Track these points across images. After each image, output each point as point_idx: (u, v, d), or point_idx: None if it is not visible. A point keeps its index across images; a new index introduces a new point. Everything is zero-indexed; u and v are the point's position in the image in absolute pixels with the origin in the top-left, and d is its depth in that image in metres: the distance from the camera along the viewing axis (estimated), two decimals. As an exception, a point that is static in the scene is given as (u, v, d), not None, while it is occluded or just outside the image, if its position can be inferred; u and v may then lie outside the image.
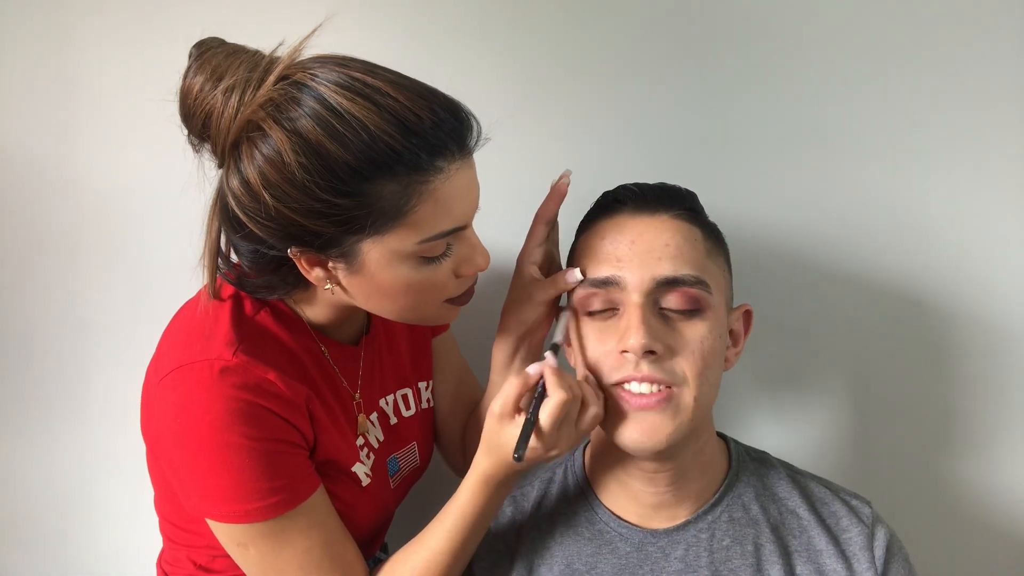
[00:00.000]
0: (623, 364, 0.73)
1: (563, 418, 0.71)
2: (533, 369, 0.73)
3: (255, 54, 0.70)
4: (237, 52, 0.69)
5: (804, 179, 1.00)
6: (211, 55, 0.69)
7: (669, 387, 0.72)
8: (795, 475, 0.84)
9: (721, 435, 0.85)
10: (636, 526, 0.79)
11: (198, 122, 0.69)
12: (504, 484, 0.76)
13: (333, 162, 0.66)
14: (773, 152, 1.00)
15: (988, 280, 0.98)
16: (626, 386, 0.73)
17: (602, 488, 0.82)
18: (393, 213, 0.68)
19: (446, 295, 0.77)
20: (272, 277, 0.77)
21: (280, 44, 0.69)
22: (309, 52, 0.70)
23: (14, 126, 1.10)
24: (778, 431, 1.03)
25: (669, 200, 0.78)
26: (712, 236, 0.79)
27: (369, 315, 0.89)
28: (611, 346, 0.74)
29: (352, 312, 0.83)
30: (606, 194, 0.82)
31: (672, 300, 0.73)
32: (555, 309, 0.84)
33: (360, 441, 0.85)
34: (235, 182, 0.68)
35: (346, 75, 0.67)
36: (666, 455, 0.75)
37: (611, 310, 0.75)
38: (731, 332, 0.79)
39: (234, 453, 0.71)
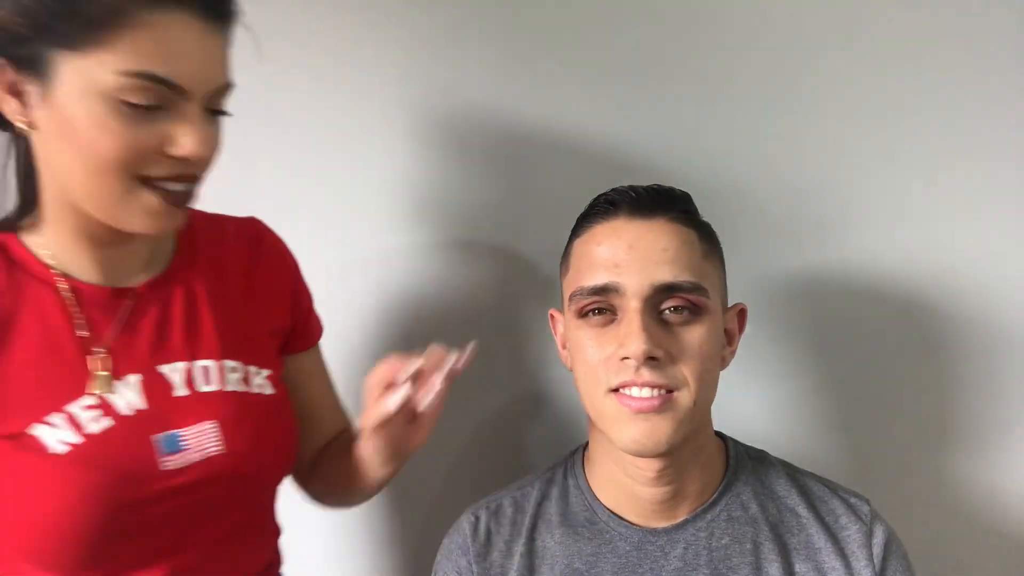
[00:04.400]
0: (623, 369, 0.73)
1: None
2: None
3: None
4: None
5: (801, 177, 1.00)
6: None
7: (670, 391, 0.72)
8: (794, 473, 0.84)
9: (720, 434, 0.85)
10: (635, 525, 0.79)
11: None
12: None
13: None
14: (771, 152, 1.00)
15: (987, 279, 0.99)
16: (625, 391, 0.73)
17: (601, 488, 0.82)
18: (96, 25, 0.61)
19: (140, 167, 0.66)
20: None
21: None
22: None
23: None
24: (777, 430, 1.04)
25: (665, 203, 0.77)
26: (707, 237, 0.79)
27: (174, 256, 0.78)
28: (610, 351, 0.74)
29: (87, 232, 0.71)
30: (600, 197, 0.80)
31: (671, 305, 0.74)
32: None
33: (88, 401, 0.69)
34: None
35: None
36: (665, 456, 0.75)
37: (609, 315, 0.75)
38: (726, 331, 0.80)
39: None
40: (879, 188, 0.99)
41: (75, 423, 0.67)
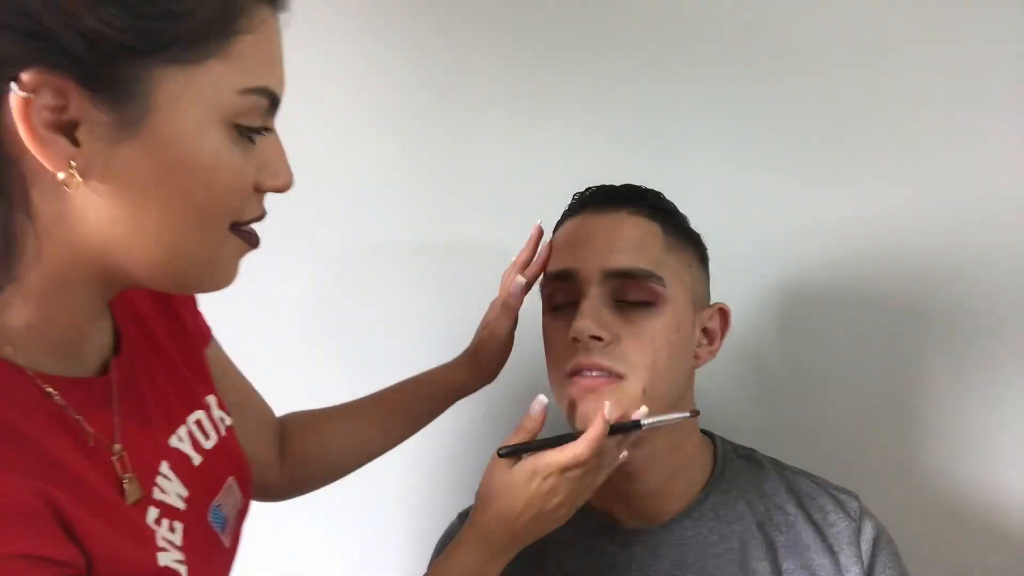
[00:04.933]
0: (574, 353, 0.74)
1: (571, 470, 0.65)
2: (536, 411, 0.72)
3: None
4: None
5: (795, 179, 1.00)
6: None
7: (619, 376, 0.73)
8: (783, 471, 0.84)
9: (707, 433, 0.86)
10: (624, 526, 0.80)
11: None
12: (507, 548, 0.69)
13: None
14: (769, 152, 1.00)
15: (981, 279, 0.98)
16: (578, 374, 0.74)
17: (589, 490, 0.82)
18: (215, 27, 0.46)
19: (239, 212, 0.52)
20: None
21: None
22: None
23: None
24: (766, 428, 1.04)
25: (630, 198, 0.80)
26: (677, 233, 0.79)
27: (114, 322, 0.58)
28: (567, 336, 0.75)
29: (80, 310, 0.52)
30: (574, 195, 0.84)
31: (625, 293, 0.75)
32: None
33: (153, 515, 0.54)
34: None
35: None
36: (630, 445, 0.74)
37: (572, 304, 0.77)
38: (706, 331, 0.80)
39: None
40: (875, 189, 0.99)
41: (163, 547, 0.54)
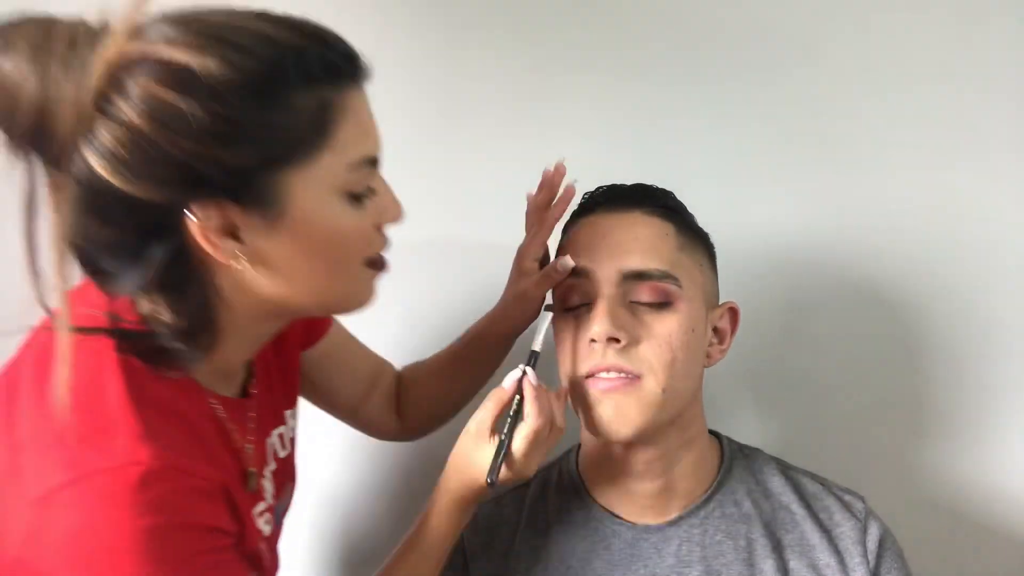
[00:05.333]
0: (591, 354, 0.74)
1: (536, 443, 0.71)
2: (508, 383, 0.74)
3: (78, 19, 0.55)
4: (53, 20, 0.54)
5: (796, 178, 1.01)
6: (20, 31, 0.53)
7: (636, 376, 0.73)
8: (788, 471, 0.84)
9: (714, 433, 0.86)
10: (629, 522, 0.80)
11: (29, 107, 0.52)
12: (474, 504, 0.76)
13: (240, 68, 0.54)
14: (769, 152, 1.00)
15: (982, 279, 0.99)
16: (595, 376, 0.74)
17: (595, 485, 0.83)
18: (318, 130, 0.58)
19: (369, 251, 0.66)
20: (165, 304, 0.59)
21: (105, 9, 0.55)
22: None
23: None
24: (773, 431, 1.04)
25: (642, 197, 0.80)
26: (689, 233, 0.80)
27: (251, 358, 0.74)
28: (582, 337, 0.75)
29: (250, 348, 0.70)
30: (584, 195, 0.84)
31: (640, 293, 0.75)
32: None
33: (260, 507, 0.71)
34: (107, 138, 0.52)
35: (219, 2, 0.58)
36: (643, 443, 0.76)
37: (587, 305, 0.77)
38: (716, 330, 0.81)
39: None
40: (876, 190, 0.99)
41: (263, 535, 0.71)
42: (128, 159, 0.52)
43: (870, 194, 0.99)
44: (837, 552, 0.77)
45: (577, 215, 0.83)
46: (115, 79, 0.52)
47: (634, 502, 0.80)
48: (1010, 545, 1.00)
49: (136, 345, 0.60)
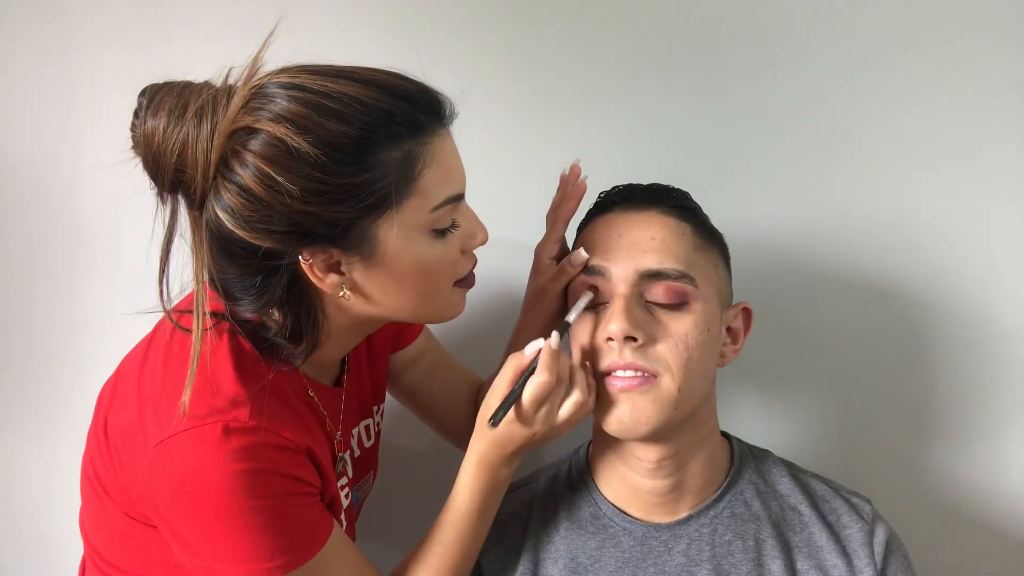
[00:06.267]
0: (608, 352, 0.75)
1: (545, 398, 0.72)
2: (529, 349, 0.75)
3: (206, 83, 0.67)
4: (188, 85, 0.67)
5: (800, 179, 1.01)
6: (162, 95, 0.66)
7: (653, 375, 0.73)
8: (796, 473, 0.85)
9: (725, 434, 0.86)
10: (639, 520, 0.80)
11: (169, 161, 0.65)
12: (500, 465, 0.76)
13: (334, 137, 0.64)
14: (772, 153, 1.01)
15: (986, 279, 0.99)
16: (612, 374, 0.75)
17: (605, 483, 0.83)
18: (403, 181, 0.67)
19: (456, 274, 0.75)
20: (279, 315, 0.72)
21: (229, 70, 0.67)
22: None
23: (15, 127, 1.10)
24: (778, 431, 1.04)
25: (658, 197, 0.80)
26: (704, 233, 0.80)
27: (346, 355, 0.85)
28: (599, 336, 0.76)
29: (347, 346, 0.81)
30: (600, 194, 0.84)
31: (657, 293, 0.75)
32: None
33: (342, 481, 0.82)
34: (229, 197, 0.64)
35: (318, 67, 0.68)
36: (656, 441, 0.76)
37: (603, 304, 0.77)
38: (730, 329, 0.81)
39: (254, 516, 0.67)
40: (879, 189, 0.99)
41: (343, 508, 0.81)
42: (247, 215, 0.64)
43: (876, 194, 1.00)
44: (845, 554, 0.77)
45: (593, 214, 0.83)
46: (233, 148, 0.64)
47: (644, 500, 0.80)
48: (1015, 546, 1.01)
49: (251, 335, 0.72)
